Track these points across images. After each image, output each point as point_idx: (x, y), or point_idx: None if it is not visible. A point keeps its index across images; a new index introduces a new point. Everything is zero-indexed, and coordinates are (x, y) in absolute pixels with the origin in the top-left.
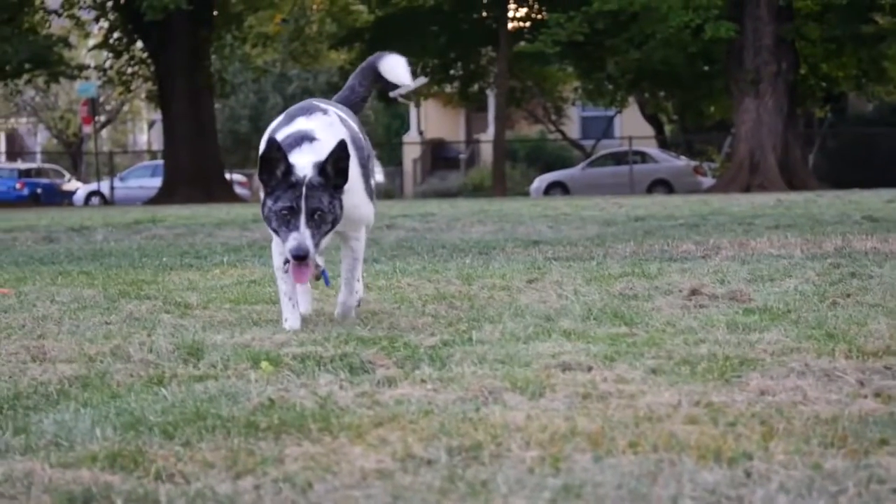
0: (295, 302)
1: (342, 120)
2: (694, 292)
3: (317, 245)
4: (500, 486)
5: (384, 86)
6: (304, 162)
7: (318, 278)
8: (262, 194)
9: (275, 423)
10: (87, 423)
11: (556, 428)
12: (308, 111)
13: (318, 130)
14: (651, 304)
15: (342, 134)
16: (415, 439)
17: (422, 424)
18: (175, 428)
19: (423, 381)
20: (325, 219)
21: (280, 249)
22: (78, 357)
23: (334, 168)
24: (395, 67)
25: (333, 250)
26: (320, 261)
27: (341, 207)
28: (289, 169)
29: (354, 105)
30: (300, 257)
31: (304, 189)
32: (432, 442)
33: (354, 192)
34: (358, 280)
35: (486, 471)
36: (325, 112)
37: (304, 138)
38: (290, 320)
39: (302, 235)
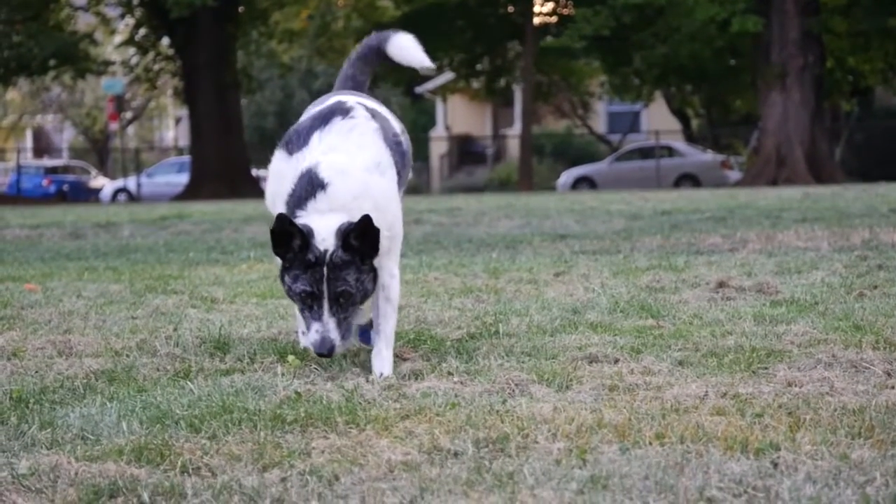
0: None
1: (374, 116)
2: (721, 285)
3: (344, 335)
4: (526, 477)
5: (391, 66)
6: (323, 229)
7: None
8: (277, 263)
9: (301, 416)
10: (114, 416)
11: (582, 420)
12: (325, 119)
13: (324, 160)
14: (678, 296)
15: (366, 141)
16: (441, 431)
17: (448, 417)
18: (201, 421)
19: (449, 373)
20: (353, 301)
21: None
22: (104, 351)
23: (360, 241)
24: (407, 48)
25: None
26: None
27: (374, 280)
28: (305, 242)
29: (362, 93)
30: (323, 356)
31: (325, 269)
32: (459, 434)
33: (387, 215)
34: (388, 330)
35: (512, 462)
36: (346, 114)
37: (313, 185)
38: (304, 338)
39: (325, 327)
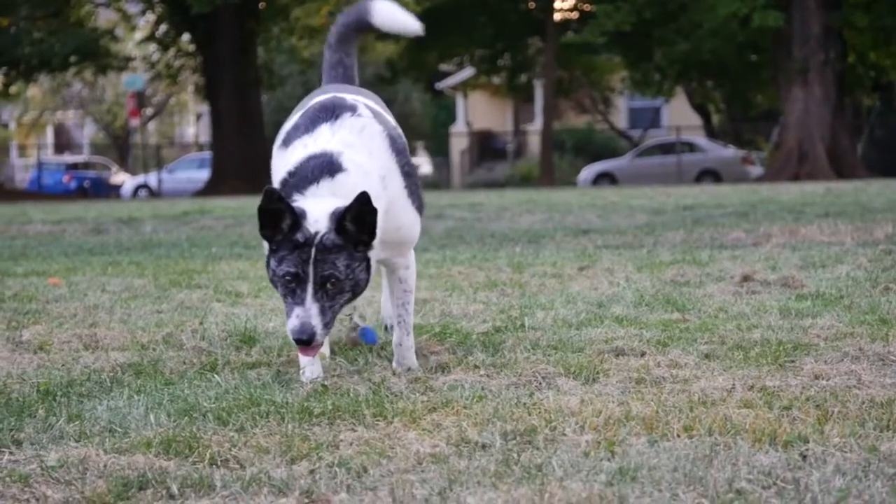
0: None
1: (375, 116)
2: (746, 279)
3: (327, 324)
4: (555, 469)
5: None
6: (318, 212)
7: (354, 343)
8: (265, 249)
9: (329, 408)
10: (141, 409)
11: (610, 412)
12: (333, 112)
13: (346, 152)
14: (703, 290)
15: (377, 144)
16: (469, 424)
17: (476, 409)
18: (229, 414)
19: (476, 366)
20: (340, 288)
21: None
22: (130, 345)
23: (356, 224)
24: (392, 13)
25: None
26: (357, 318)
27: (367, 271)
28: (296, 222)
29: (352, 82)
30: (303, 342)
31: (313, 251)
32: (487, 426)
33: (399, 212)
34: (407, 318)
35: (541, 455)
36: (354, 111)
37: (324, 169)
38: (309, 368)
39: (307, 312)
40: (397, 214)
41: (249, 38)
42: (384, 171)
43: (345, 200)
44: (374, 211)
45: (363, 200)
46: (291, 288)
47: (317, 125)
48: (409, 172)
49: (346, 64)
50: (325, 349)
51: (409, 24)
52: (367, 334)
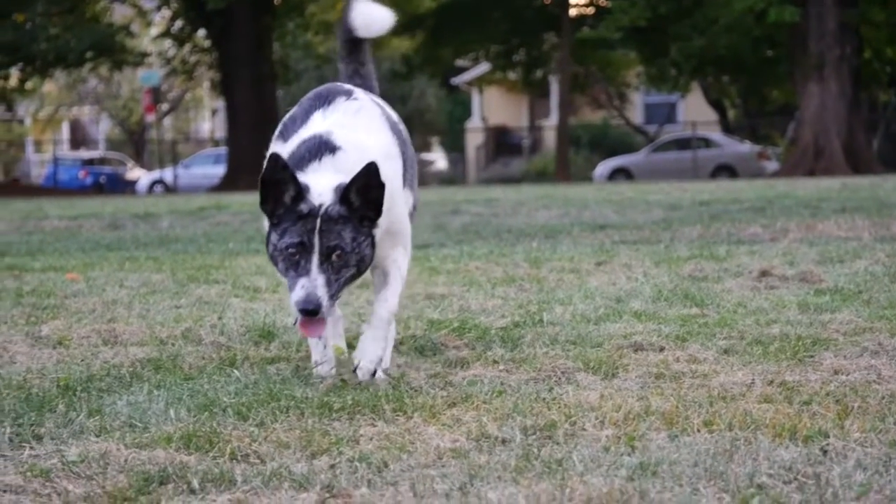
0: (326, 341)
1: (375, 102)
2: (764, 274)
3: (334, 296)
4: (576, 464)
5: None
6: (322, 185)
7: None
8: (265, 226)
9: (348, 403)
10: (161, 404)
11: (630, 407)
12: (326, 99)
13: (338, 131)
14: (721, 285)
15: (375, 125)
16: (489, 419)
17: (495, 404)
18: (249, 409)
19: (495, 361)
20: (346, 261)
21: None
22: (149, 340)
23: (362, 197)
24: (368, 18)
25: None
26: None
27: (372, 247)
28: (300, 193)
29: (373, 92)
30: (309, 312)
31: (318, 221)
32: (506, 421)
33: (392, 207)
34: (389, 321)
35: (561, 450)
36: (349, 95)
37: (321, 147)
38: (323, 364)
39: (312, 282)
40: (395, 194)
41: (265, 34)
42: (387, 147)
43: (347, 177)
44: (382, 185)
45: (371, 171)
46: (295, 260)
47: (310, 114)
48: (407, 165)
49: (362, 73)
50: (341, 342)
51: (383, 19)
52: None
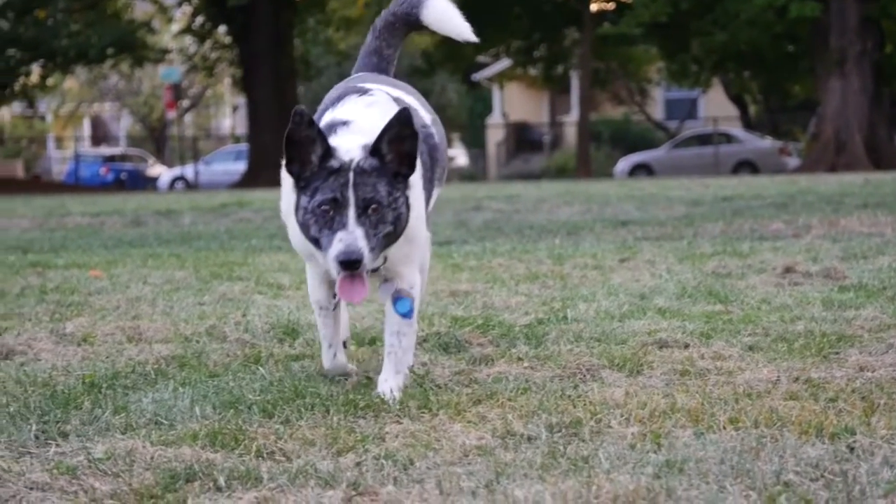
0: (337, 349)
1: (395, 101)
2: (787, 270)
3: (374, 250)
4: (602, 461)
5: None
6: (349, 143)
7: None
8: (287, 198)
9: (374, 401)
10: (186, 401)
11: (655, 404)
12: (337, 99)
13: (355, 119)
14: (745, 282)
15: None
16: (514, 416)
17: (520, 402)
18: (274, 406)
19: (519, 358)
20: (383, 216)
21: (318, 274)
22: (174, 337)
23: (394, 149)
24: (447, 14)
25: None
26: (389, 290)
27: (408, 207)
28: (328, 151)
29: (386, 73)
30: (351, 263)
31: (351, 175)
32: (532, 419)
33: (416, 211)
34: (408, 348)
35: (587, 447)
36: (363, 93)
37: (334, 125)
38: (331, 361)
39: (351, 234)
40: (411, 209)
41: (286, 30)
42: None
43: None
44: (415, 134)
45: (403, 119)
46: (329, 217)
47: (319, 118)
48: (429, 167)
49: (384, 54)
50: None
51: (462, 29)
52: (400, 300)
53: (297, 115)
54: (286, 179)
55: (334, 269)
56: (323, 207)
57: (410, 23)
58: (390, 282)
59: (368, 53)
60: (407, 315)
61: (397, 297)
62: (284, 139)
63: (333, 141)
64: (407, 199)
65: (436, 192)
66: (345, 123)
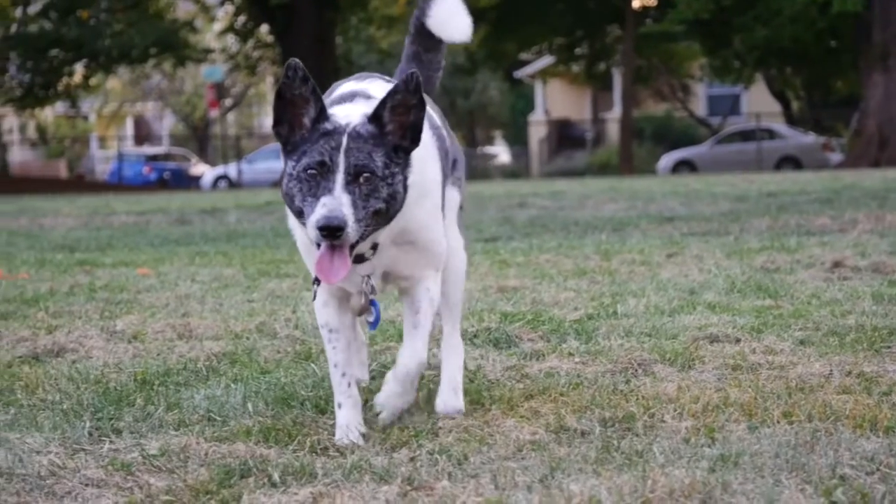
0: (351, 378)
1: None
2: (836, 265)
3: (360, 221)
4: (656, 456)
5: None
6: (347, 110)
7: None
8: (284, 164)
9: (426, 396)
10: (239, 398)
11: (708, 398)
12: (349, 98)
13: (381, 91)
14: (794, 276)
15: None
16: (567, 411)
17: (573, 396)
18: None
19: (570, 354)
20: (375, 188)
21: (325, 294)
22: (224, 334)
23: (397, 118)
24: (448, 15)
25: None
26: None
27: (405, 188)
28: (322, 113)
29: (430, 81)
30: (332, 229)
31: (344, 138)
32: (585, 413)
33: (425, 209)
34: (416, 376)
35: (641, 441)
36: (370, 99)
37: (342, 99)
38: (344, 413)
39: (336, 199)
40: (424, 209)
41: (328, 29)
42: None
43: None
44: (422, 105)
45: (410, 86)
46: (315, 181)
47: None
48: (446, 171)
49: (424, 59)
50: (364, 373)
51: (460, 29)
52: (376, 309)
53: (291, 70)
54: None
55: (314, 237)
56: (310, 171)
57: (422, 30)
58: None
59: (408, 59)
60: (373, 327)
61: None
62: (274, 96)
63: (342, 109)
64: (405, 178)
65: (457, 195)
66: (367, 97)
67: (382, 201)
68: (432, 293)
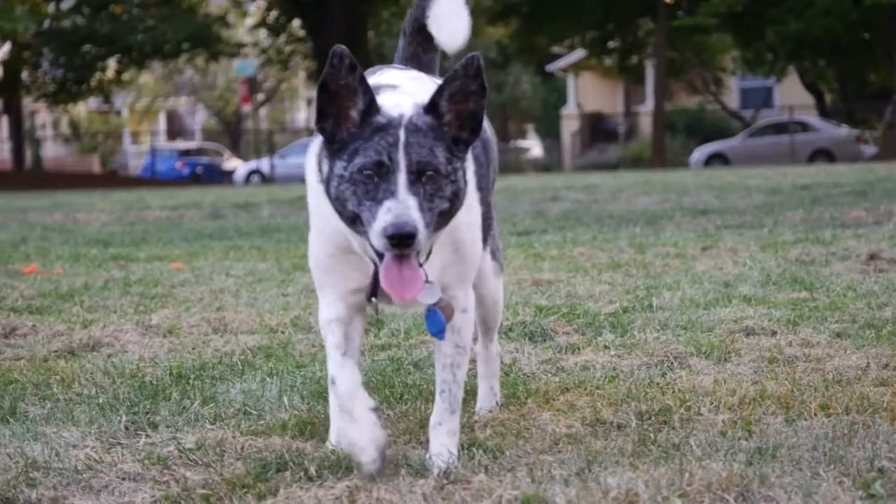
0: (363, 424)
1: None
2: (872, 257)
3: (429, 225)
4: (693, 449)
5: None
6: (397, 100)
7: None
8: (318, 168)
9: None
10: (275, 391)
11: (744, 391)
12: (372, 72)
13: (401, 80)
14: (829, 269)
15: None
16: (603, 404)
17: (608, 390)
18: None
19: (605, 347)
20: (440, 187)
21: (333, 308)
22: (259, 328)
23: (456, 108)
24: (448, 15)
25: None
26: (433, 293)
27: (465, 182)
28: (372, 105)
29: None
30: (403, 237)
31: (401, 132)
32: (621, 407)
33: (466, 216)
34: (455, 389)
35: (678, 434)
36: (394, 89)
37: (380, 87)
38: (366, 457)
39: (403, 203)
40: (466, 215)
41: (360, 23)
42: None
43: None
44: (484, 91)
45: (470, 70)
46: (374, 184)
47: None
48: (483, 181)
49: (423, 60)
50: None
51: (457, 35)
52: (435, 316)
53: (336, 57)
54: (312, 155)
55: (380, 247)
56: (365, 173)
57: (421, 30)
58: (433, 285)
59: (404, 60)
60: (437, 335)
61: (432, 311)
62: (318, 88)
63: (389, 98)
64: (465, 172)
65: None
66: (393, 87)
67: (447, 201)
68: (468, 308)
